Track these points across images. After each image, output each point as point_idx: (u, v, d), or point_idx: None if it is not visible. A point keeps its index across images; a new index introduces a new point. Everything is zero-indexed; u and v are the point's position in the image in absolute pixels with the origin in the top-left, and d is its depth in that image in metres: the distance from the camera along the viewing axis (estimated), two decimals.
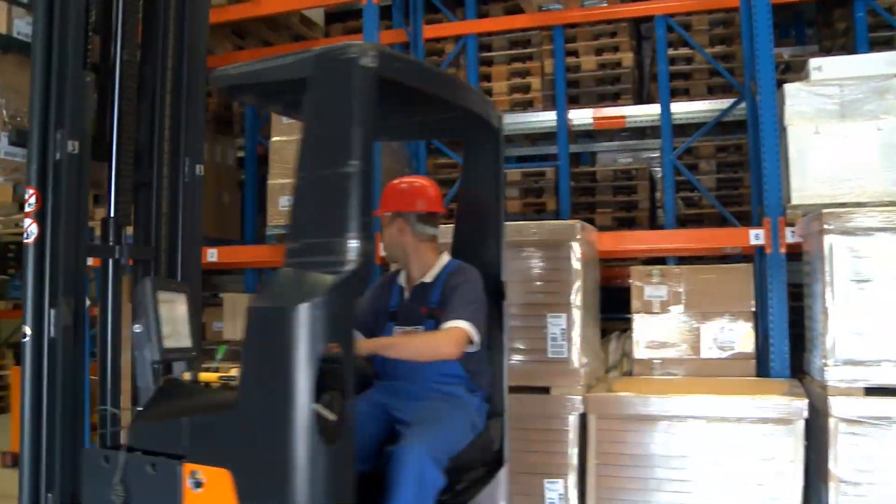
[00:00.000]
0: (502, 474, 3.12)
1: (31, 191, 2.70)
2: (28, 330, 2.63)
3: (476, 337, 2.89)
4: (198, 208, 3.17)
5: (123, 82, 2.99)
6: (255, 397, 2.09)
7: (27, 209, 2.70)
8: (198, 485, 2.16)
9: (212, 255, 6.19)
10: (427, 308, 3.04)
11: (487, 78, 7.01)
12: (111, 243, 2.94)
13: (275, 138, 6.03)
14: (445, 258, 3.18)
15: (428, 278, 3.12)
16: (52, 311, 2.63)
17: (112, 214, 2.97)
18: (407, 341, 2.98)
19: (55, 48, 2.71)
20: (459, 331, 2.84)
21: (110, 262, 2.96)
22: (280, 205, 5.89)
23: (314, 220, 2.19)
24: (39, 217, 2.66)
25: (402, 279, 3.24)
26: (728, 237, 5.46)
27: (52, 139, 2.69)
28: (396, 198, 3.16)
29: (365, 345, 2.85)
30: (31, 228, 2.68)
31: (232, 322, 6.56)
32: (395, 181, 3.23)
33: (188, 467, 2.17)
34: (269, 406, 2.05)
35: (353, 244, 2.09)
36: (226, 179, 7.37)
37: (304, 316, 2.01)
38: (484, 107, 3.06)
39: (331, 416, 2.06)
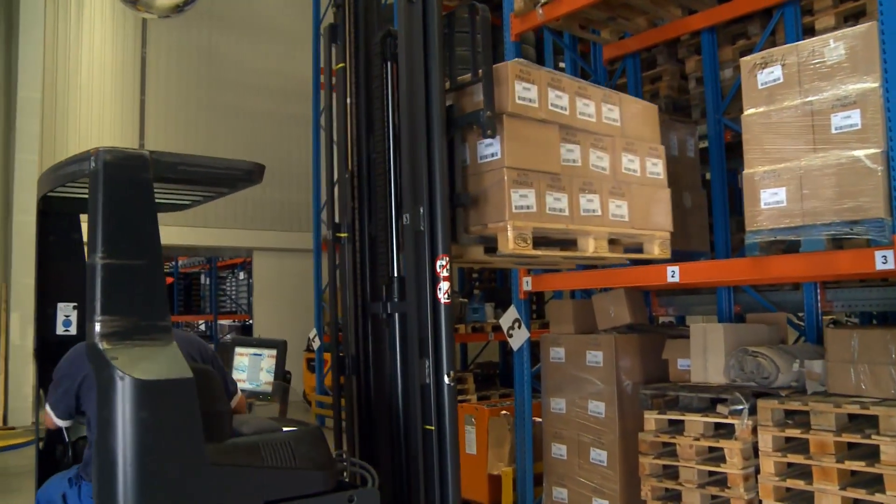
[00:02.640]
0: None
1: None
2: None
3: (53, 417, 3.11)
4: (422, 265, 3.57)
5: (372, 180, 3.93)
6: None
7: None
8: None
9: (672, 273, 4.85)
10: None
11: None
12: (383, 301, 3.79)
13: (749, 111, 4.47)
14: None
15: None
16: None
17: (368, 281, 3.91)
18: None
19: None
20: (46, 410, 3.16)
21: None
22: (763, 202, 4.30)
23: None
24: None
25: None
26: None
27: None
28: None
29: None
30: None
31: (702, 359, 5.11)
32: None
33: None
34: None
35: None
36: (686, 177, 5.99)
37: None
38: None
39: None
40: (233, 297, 19.56)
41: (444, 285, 3.46)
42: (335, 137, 4.07)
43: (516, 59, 3.97)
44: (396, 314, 3.73)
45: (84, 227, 3.51)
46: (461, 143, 3.98)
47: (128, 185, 2.70)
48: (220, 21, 13.87)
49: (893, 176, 3.86)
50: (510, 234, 3.70)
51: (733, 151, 6.10)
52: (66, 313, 3.66)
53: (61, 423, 3.13)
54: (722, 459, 4.74)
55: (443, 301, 3.47)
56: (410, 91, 3.64)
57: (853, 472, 4.23)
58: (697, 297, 6.55)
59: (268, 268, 13.97)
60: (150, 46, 13.14)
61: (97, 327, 2.56)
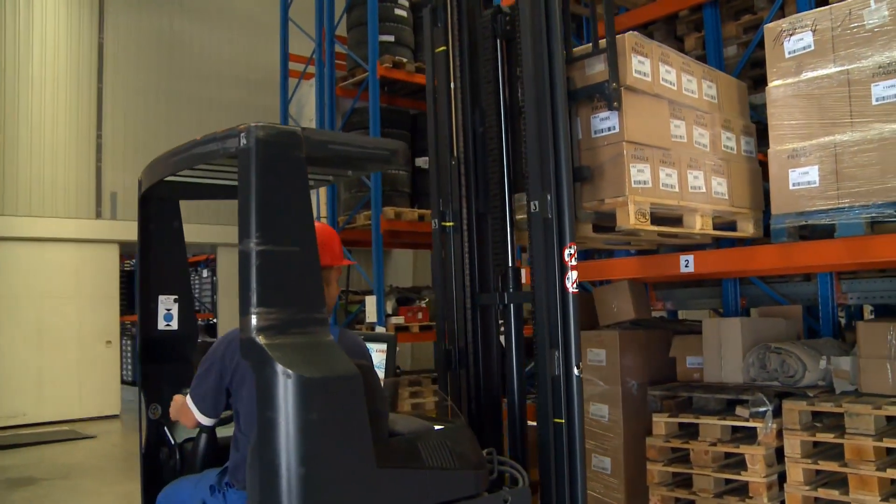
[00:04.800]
0: None
1: None
2: None
3: (198, 414, 2.86)
4: (551, 254, 3.30)
5: (479, 166, 3.81)
6: None
7: None
8: None
9: (686, 263, 4.42)
10: None
11: None
12: (499, 292, 3.73)
13: (775, 82, 4.06)
14: None
15: None
16: None
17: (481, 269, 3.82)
18: (180, 402, 3.00)
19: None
20: (182, 401, 2.93)
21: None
22: (792, 182, 3.90)
23: None
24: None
25: None
26: None
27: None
28: None
29: None
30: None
31: (716, 356, 4.69)
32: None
33: None
34: None
35: None
36: None
37: None
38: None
39: None
40: (196, 295, 18.89)
41: (572, 274, 3.26)
42: (437, 124, 3.92)
43: (631, 31, 3.88)
44: (512, 305, 3.64)
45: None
46: (574, 118, 3.85)
47: (282, 165, 2.45)
48: (181, 6, 13.22)
49: None
50: (631, 208, 3.62)
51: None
52: (167, 307, 3.49)
53: (206, 422, 2.86)
54: (740, 466, 4.34)
55: (571, 291, 3.26)
56: (535, 71, 3.37)
57: (893, 481, 3.85)
58: (698, 290, 6.15)
59: (233, 265, 13.23)
60: (108, 32, 12.42)
61: (253, 320, 2.31)
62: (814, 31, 3.93)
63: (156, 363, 3.45)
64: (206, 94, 13.36)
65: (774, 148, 4.04)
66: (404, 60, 9.30)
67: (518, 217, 3.71)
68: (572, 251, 3.27)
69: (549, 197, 3.27)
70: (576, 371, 3.23)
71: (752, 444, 4.27)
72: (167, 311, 3.50)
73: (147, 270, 3.44)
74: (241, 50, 13.72)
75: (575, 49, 3.90)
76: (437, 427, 2.91)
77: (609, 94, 3.60)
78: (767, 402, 4.22)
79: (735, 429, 4.46)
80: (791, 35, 4.01)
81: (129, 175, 12.47)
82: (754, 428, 4.28)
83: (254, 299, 2.33)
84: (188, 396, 2.87)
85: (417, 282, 13.48)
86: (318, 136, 2.65)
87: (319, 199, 9.94)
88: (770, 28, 4.15)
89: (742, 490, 4.37)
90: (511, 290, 3.65)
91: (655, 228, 3.81)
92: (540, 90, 3.34)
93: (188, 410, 2.86)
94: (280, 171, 2.45)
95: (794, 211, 3.92)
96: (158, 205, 3.42)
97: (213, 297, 15.97)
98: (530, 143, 3.37)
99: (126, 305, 17.31)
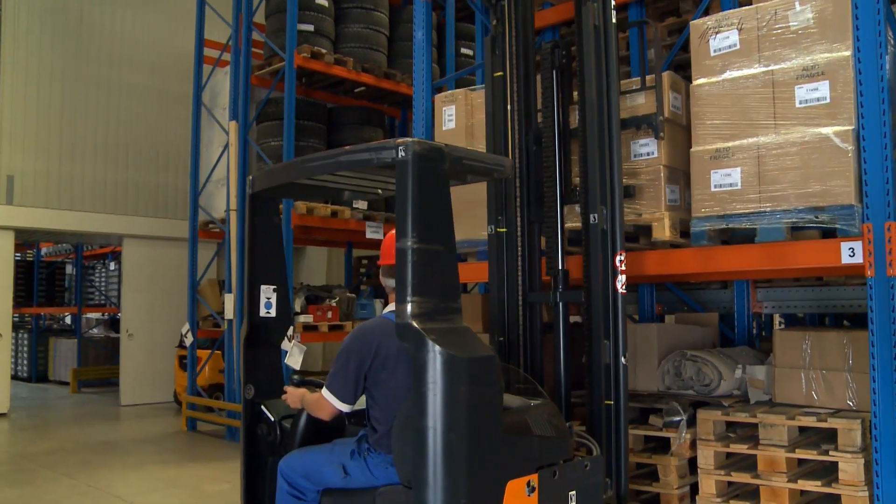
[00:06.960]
0: None
1: None
2: None
3: (338, 404, 3.12)
4: (607, 260, 3.75)
5: (532, 181, 4.23)
6: None
7: None
8: None
9: None
10: None
11: None
12: (552, 291, 4.06)
13: (699, 81, 3.94)
14: (384, 311, 3.32)
15: None
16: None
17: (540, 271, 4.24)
18: (302, 396, 3.34)
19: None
20: (321, 399, 3.17)
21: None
22: (714, 184, 3.78)
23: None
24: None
25: None
26: None
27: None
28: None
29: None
30: None
31: (630, 363, 4.55)
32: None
33: None
34: None
35: None
36: None
37: None
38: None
39: None
40: (101, 288, 18.01)
41: (622, 277, 3.71)
42: (494, 141, 4.32)
43: (669, 71, 4.42)
44: (561, 303, 4.04)
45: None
46: None
47: (431, 175, 2.83)
48: None
49: (865, 157, 3.38)
50: (667, 223, 4.09)
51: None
52: (267, 296, 3.84)
53: (346, 409, 3.15)
54: (653, 477, 4.21)
55: (620, 291, 3.71)
56: (597, 101, 3.83)
57: (802, 492, 3.77)
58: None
59: (139, 257, 12.67)
60: (7, 2, 11.68)
61: (409, 308, 2.69)
62: (740, 30, 3.82)
63: (254, 347, 3.80)
64: (114, 78, 12.71)
65: (696, 148, 3.92)
66: (323, 51, 8.99)
67: (567, 226, 4.12)
68: (622, 258, 3.71)
69: (604, 211, 3.74)
70: (622, 360, 3.68)
71: (665, 454, 4.14)
72: (267, 300, 3.83)
73: (252, 262, 3.80)
74: (153, 33, 13.11)
75: (625, 81, 4.33)
76: (532, 403, 3.29)
77: (656, 126, 4.06)
78: (682, 411, 4.10)
79: (648, 438, 4.33)
80: (717, 33, 3.90)
81: (28, 157, 11.75)
82: (668, 438, 4.15)
83: (409, 290, 2.70)
84: (324, 390, 3.14)
85: (331, 280, 13.14)
86: (456, 151, 3.00)
87: (230, 191, 9.54)
88: (696, 25, 4.03)
89: (654, 501, 4.24)
90: (561, 289, 4.02)
91: (682, 241, 4.19)
92: (600, 118, 3.80)
93: (326, 403, 3.13)
94: (429, 180, 2.81)
95: (715, 214, 3.80)
96: (263, 203, 3.77)
97: (119, 292, 15.25)
98: (590, 164, 3.79)
99: (24, 297, 16.48)
